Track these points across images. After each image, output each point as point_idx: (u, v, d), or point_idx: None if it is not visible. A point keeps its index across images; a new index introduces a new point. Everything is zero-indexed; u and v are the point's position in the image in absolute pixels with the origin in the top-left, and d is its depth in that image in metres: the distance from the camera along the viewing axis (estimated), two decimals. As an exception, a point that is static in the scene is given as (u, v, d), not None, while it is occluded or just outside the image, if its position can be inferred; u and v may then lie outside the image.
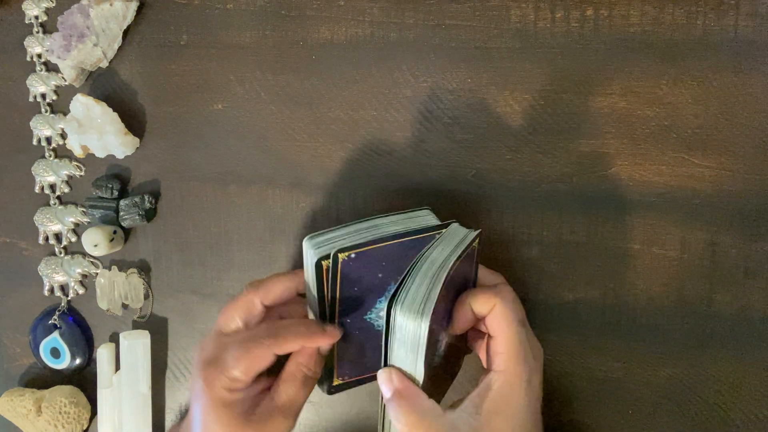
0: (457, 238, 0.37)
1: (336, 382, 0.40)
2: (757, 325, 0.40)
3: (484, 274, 0.40)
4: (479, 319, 0.36)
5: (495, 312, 0.35)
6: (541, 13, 0.41)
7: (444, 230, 0.37)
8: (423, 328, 0.33)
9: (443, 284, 0.34)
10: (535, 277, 0.43)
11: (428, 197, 0.44)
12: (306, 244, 0.37)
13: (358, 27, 0.44)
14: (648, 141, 0.40)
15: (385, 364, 0.36)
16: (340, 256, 0.35)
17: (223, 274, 0.48)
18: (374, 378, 0.37)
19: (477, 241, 0.37)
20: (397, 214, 0.39)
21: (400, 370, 0.35)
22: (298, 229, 0.47)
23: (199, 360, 0.37)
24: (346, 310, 0.37)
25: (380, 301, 0.38)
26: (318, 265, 0.35)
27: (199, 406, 0.36)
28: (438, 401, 0.38)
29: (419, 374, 0.35)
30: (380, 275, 0.37)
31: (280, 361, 0.37)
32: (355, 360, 0.39)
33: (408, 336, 0.34)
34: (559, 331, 0.43)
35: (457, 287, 0.37)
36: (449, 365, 0.41)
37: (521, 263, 0.43)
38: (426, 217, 0.39)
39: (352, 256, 0.36)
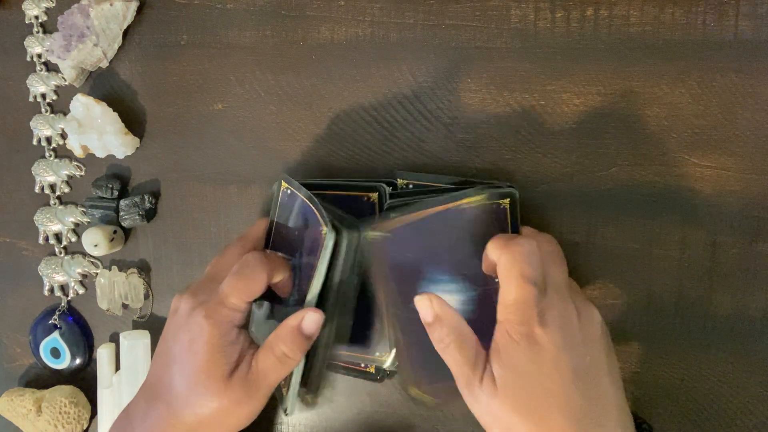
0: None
1: (418, 394, 0.38)
2: (757, 325, 0.40)
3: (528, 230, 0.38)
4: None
5: (500, 262, 0.33)
6: (541, 13, 0.41)
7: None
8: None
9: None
10: (535, 277, 0.43)
11: (428, 197, 0.44)
12: (308, 201, 0.38)
13: (358, 27, 0.44)
14: (648, 141, 0.40)
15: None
16: (373, 235, 0.37)
17: (223, 274, 0.48)
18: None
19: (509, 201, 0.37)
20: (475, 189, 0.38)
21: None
22: (298, 229, 0.47)
23: (189, 301, 0.37)
24: (278, 240, 0.40)
25: (423, 287, 0.36)
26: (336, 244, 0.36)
27: (195, 346, 0.35)
28: None
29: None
30: (411, 255, 0.37)
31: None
32: (427, 362, 0.36)
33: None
34: (559, 331, 0.43)
35: (485, 229, 0.37)
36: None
37: (521, 263, 0.43)
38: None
39: (288, 192, 0.40)
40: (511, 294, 0.32)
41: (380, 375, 0.42)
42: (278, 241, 0.41)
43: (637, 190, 0.41)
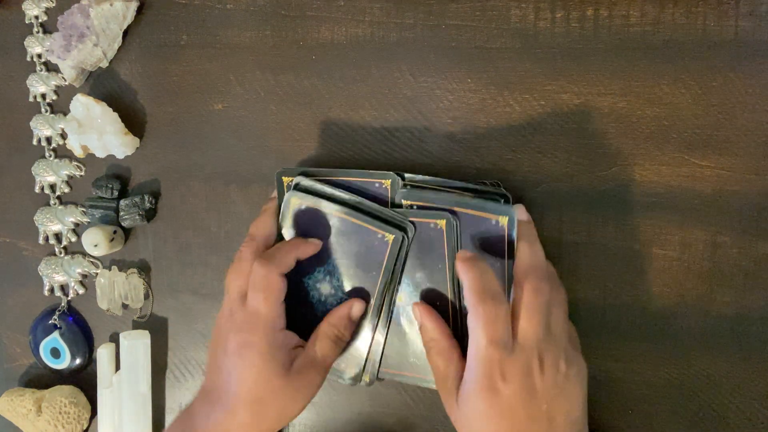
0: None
1: None
2: (757, 325, 0.40)
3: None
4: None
5: (470, 322, 0.35)
6: (541, 13, 0.41)
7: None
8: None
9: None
10: (535, 277, 0.43)
11: (428, 197, 0.44)
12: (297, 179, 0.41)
13: (358, 27, 0.44)
14: (648, 141, 0.40)
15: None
16: (293, 201, 0.40)
17: (223, 275, 0.48)
18: None
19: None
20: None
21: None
22: (298, 229, 0.47)
23: (235, 327, 0.39)
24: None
25: (319, 271, 0.41)
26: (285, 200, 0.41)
27: (244, 362, 0.37)
28: None
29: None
30: (324, 243, 0.40)
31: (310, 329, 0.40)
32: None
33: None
34: (559, 331, 0.43)
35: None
36: None
37: (521, 263, 0.43)
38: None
39: (303, 207, 0.40)
40: (479, 352, 0.34)
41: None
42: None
43: (637, 190, 0.41)
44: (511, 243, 0.38)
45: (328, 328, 0.40)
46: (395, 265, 0.39)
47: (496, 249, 0.38)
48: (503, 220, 0.38)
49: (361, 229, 0.39)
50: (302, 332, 0.40)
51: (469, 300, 0.35)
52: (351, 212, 0.40)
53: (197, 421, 0.38)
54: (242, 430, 0.37)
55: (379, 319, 0.40)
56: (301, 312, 0.41)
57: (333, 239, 0.40)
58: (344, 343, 0.40)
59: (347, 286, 0.40)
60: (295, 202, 0.40)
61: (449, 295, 0.39)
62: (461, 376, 0.35)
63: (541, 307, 0.34)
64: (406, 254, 0.39)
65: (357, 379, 0.41)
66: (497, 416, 0.34)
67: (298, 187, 0.41)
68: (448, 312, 0.39)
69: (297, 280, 0.41)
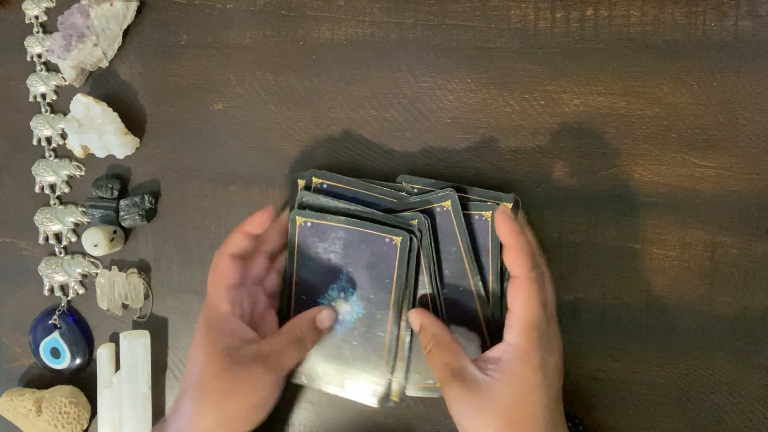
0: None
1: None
2: (757, 325, 0.40)
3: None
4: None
5: (518, 283, 0.35)
6: (541, 13, 0.41)
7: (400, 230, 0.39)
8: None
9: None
10: (535, 277, 0.43)
11: (428, 197, 0.44)
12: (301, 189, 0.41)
13: (358, 27, 0.44)
14: (648, 141, 0.40)
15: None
16: (298, 219, 0.39)
17: (223, 274, 0.48)
18: None
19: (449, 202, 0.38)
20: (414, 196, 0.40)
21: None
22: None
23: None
24: (302, 282, 0.40)
25: (333, 289, 0.39)
26: (291, 218, 0.39)
27: (195, 341, 0.38)
28: None
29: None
30: (332, 258, 0.39)
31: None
32: None
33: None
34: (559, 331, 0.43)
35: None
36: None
37: (521, 263, 0.43)
38: (439, 199, 0.40)
39: (308, 224, 0.39)
40: (528, 317, 0.34)
41: None
42: (306, 279, 0.41)
43: (637, 190, 0.41)
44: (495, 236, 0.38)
45: (288, 326, 0.39)
46: (408, 269, 0.39)
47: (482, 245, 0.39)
48: (487, 215, 0.38)
49: (368, 236, 0.39)
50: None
51: (522, 263, 0.35)
52: (356, 221, 0.39)
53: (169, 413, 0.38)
54: (186, 421, 0.36)
55: (399, 329, 0.39)
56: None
57: (342, 252, 0.39)
58: (305, 347, 0.39)
59: (363, 300, 0.40)
60: (300, 220, 0.40)
61: (433, 291, 0.39)
62: (472, 365, 0.35)
63: (541, 284, 0.36)
64: (418, 258, 0.39)
65: (384, 400, 0.40)
66: (542, 388, 0.34)
67: (301, 205, 0.40)
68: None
69: (312, 303, 0.40)
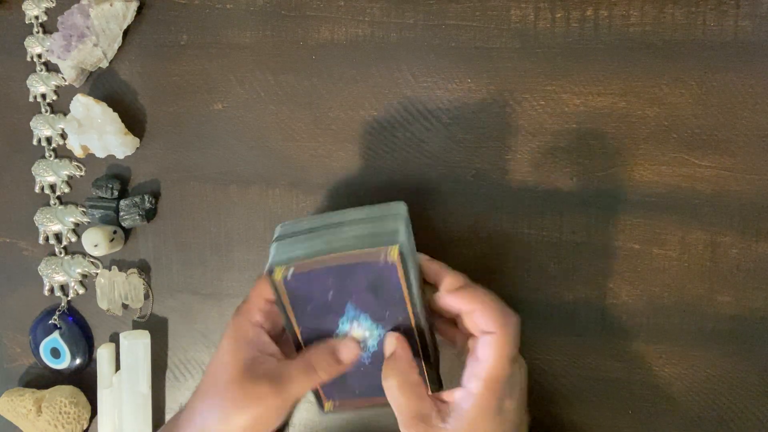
0: (380, 233, 0.35)
1: (327, 407, 0.39)
2: (757, 325, 0.40)
3: (446, 275, 0.37)
4: (461, 323, 0.36)
5: (494, 340, 0.34)
6: (541, 13, 0.41)
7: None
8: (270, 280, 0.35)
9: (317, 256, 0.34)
10: (535, 277, 0.43)
11: (428, 197, 0.44)
12: (273, 244, 0.36)
13: (358, 27, 0.44)
14: (648, 141, 0.40)
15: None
16: (277, 272, 0.34)
17: (223, 274, 0.48)
18: (370, 404, 0.38)
19: (397, 255, 0.34)
20: (366, 209, 0.37)
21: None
22: (298, 229, 0.47)
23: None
24: (308, 330, 0.37)
25: (342, 323, 0.36)
26: (270, 279, 0.34)
27: (223, 337, 0.37)
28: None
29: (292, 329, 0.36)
30: (331, 293, 0.35)
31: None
32: (332, 384, 0.38)
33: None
34: (559, 331, 0.43)
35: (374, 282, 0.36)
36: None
37: (521, 263, 0.43)
38: (396, 216, 0.36)
39: (288, 276, 0.34)
40: (495, 372, 0.34)
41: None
42: (311, 326, 0.37)
43: (637, 190, 0.41)
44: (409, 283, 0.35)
45: (304, 352, 0.37)
46: (409, 280, 0.35)
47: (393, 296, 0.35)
48: (392, 254, 0.33)
49: (359, 264, 0.34)
50: (358, 391, 0.38)
51: (491, 319, 0.34)
52: (337, 250, 0.34)
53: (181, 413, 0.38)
54: (188, 426, 0.36)
55: (425, 347, 0.37)
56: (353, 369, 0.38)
57: (338, 284, 0.35)
58: (317, 377, 0.36)
59: (379, 320, 0.37)
60: (279, 272, 0.34)
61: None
62: (439, 410, 0.34)
63: (515, 335, 0.36)
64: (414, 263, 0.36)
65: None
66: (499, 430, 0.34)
67: (276, 261, 0.35)
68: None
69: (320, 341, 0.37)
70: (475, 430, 0.33)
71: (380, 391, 0.36)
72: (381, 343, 0.37)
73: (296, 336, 0.37)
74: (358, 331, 0.37)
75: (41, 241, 0.52)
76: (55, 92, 0.51)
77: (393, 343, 0.36)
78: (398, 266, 0.34)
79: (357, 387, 0.39)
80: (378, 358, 0.37)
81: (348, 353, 0.36)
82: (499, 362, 0.34)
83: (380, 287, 0.35)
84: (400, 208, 0.37)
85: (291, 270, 0.34)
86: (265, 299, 0.37)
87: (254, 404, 0.35)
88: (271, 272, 0.34)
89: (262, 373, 0.35)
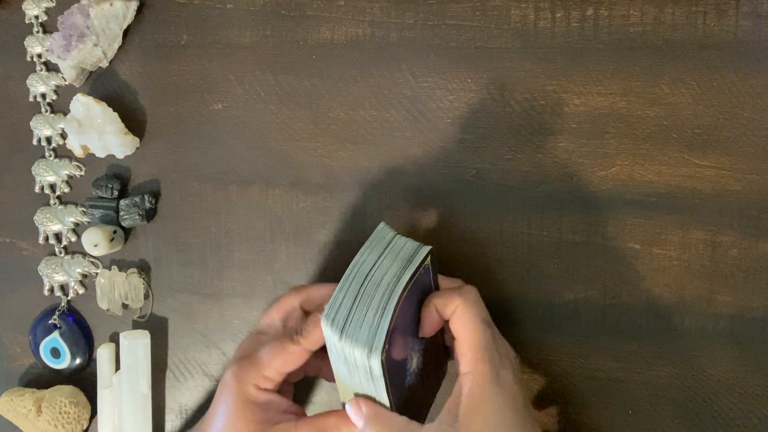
0: (403, 253, 0.35)
1: None
2: (757, 325, 0.40)
3: (444, 281, 0.39)
4: (445, 321, 0.36)
5: (457, 313, 0.35)
6: (541, 13, 0.41)
7: (389, 246, 0.36)
8: (375, 363, 0.32)
9: (393, 313, 0.32)
10: (535, 277, 0.43)
11: (428, 197, 0.44)
12: (346, 343, 0.33)
13: (358, 27, 0.44)
14: (648, 141, 0.40)
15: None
16: (379, 354, 0.32)
17: (223, 274, 0.48)
18: None
19: (429, 259, 0.35)
20: (369, 247, 0.36)
21: (366, 397, 0.35)
22: (298, 229, 0.47)
23: (234, 356, 0.38)
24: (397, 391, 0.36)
25: (411, 357, 0.36)
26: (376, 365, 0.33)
27: (225, 401, 0.36)
28: (425, 414, 0.38)
29: (386, 400, 0.34)
30: (405, 342, 0.35)
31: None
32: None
33: (365, 369, 0.33)
34: (559, 331, 0.43)
35: (419, 296, 0.36)
36: (433, 372, 0.41)
37: (521, 263, 0.43)
38: (387, 236, 0.37)
39: (387, 348, 0.33)
40: (475, 340, 0.34)
41: None
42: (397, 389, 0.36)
43: (637, 190, 0.41)
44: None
45: (326, 420, 0.37)
46: (436, 279, 0.36)
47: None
48: (427, 259, 0.35)
49: (410, 290, 0.34)
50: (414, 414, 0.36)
51: (449, 299, 0.35)
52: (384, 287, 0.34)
53: None
54: None
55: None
56: (408, 394, 0.37)
57: (403, 327, 0.35)
58: None
59: (418, 336, 0.37)
60: (382, 355, 0.32)
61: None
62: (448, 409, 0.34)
63: (475, 299, 0.36)
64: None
65: None
66: (508, 414, 0.33)
67: (371, 346, 0.33)
68: None
69: (400, 381, 0.36)
70: (481, 406, 0.33)
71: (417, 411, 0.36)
72: (421, 361, 0.37)
73: (389, 401, 0.35)
74: (416, 359, 0.37)
75: (41, 241, 0.52)
76: (55, 92, 0.51)
77: (363, 410, 0.35)
78: (430, 266, 0.35)
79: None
80: (416, 376, 0.37)
81: (357, 415, 0.36)
82: (471, 326, 0.34)
83: (421, 299, 0.36)
84: (386, 234, 0.37)
85: (386, 348, 0.32)
86: (280, 372, 0.36)
87: None
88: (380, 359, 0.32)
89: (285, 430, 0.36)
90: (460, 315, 0.35)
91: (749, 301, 0.40)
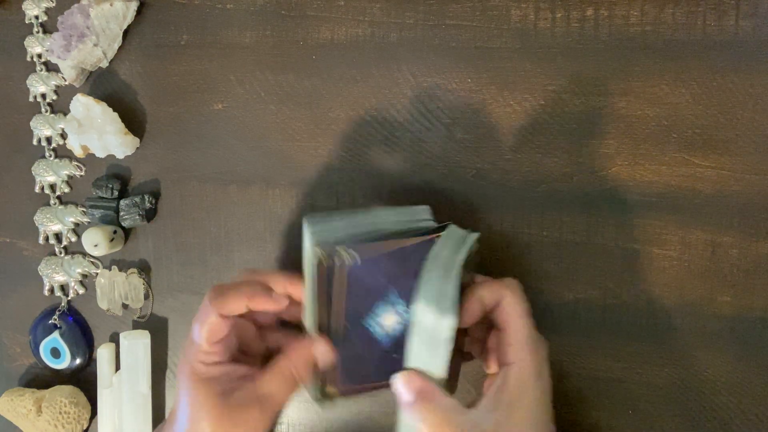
0: (457, 238, 0.36)
1: (330, 392, 0.38)
2: (757, 325, 0.40)
3: (479, 276, 0.39)
4: (487, 312, 0.36)
5: (504, 303, 0.35)
6: (541, 13, 0.41)
7: (443, 232, 0.36)
8: (448, 324, 0.33)
9: (458, 280, 0.33)
10: (535, 277, 0.43)
11: (428, 197, 0.44)
12: (307, 231, 0.35)
13: (358, 27, 0.44)
14: (648, 141, 0.40)
15: (401, 368, 0.36)
16: (341, 255, 0.33)
17: (223, 274, 0.48)
18: (376, 388, 0.38)
19: (475, 242, 0.37)
20: (396, 208, 0.38)
21: (419, 371, 0.35)
22: (298, 229, 0.47)
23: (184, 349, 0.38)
24: (347, 315, 0.37)
25: (378, 306, 0.37)
26: (319, 264, 0.34)
27: (184, 386, 0.36)
28: None
29: (442, 373, 0.34)
30: (382, 279, 0.36)
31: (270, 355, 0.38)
32: (351, 369, 0.38)
33: (433, 334, 0.34)
34: (559, 331, 0.43)
35: (461, 287, 0.37)
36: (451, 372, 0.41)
37: (521, 263, 0.43)
38: (424, 215, 0.38)
39: (358, 261, 0.34)
40: (522, 332, 0.34)
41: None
42: (352, 314, 0.37)
43: (637, 190, 0.41)
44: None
45: (284, 363, 0.36)
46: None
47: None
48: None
49: (416, 247, 0.35)
50: (372, 376, 0.37)
51: (496, 288, 0.35)
52: (381, 231, 0.35)
53: None
54: None
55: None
56: (368, 354, 0.37)
57: (391, 271, 0.35)
58: (297, 386, 0.36)
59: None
60: (344, 257, 0.34)
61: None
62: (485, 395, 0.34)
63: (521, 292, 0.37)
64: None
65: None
66: (544, 408, 0.34)
67: (331, 241, 0.34)
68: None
69: (355, 325, 0.37)
70: (525, 397, 0.34)
71: (389, 376, 0.36)
72: (404, 329, 0.37)
73: (326, 320, 0.36)
74: (391, 316, 0.37)
75: (41, 241, 0.52)
76: (55, 92, 0.51)
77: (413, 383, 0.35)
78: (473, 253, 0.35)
79: (373, 372, 0.38)
80: (399, 343, 0.37)
81: (324, 357, 0.36)
82: (518, 318, 0.35)
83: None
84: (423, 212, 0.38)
85: (357, 255, 0.33)
86: (216, 340, 0.36)
87: (247, 427, 0.35)
88: (331, 254, 0.33)
89: (245, 401, 0.35)
90: (507, 306, 0.35)
91: (749, 301, 0.40)
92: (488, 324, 0.37)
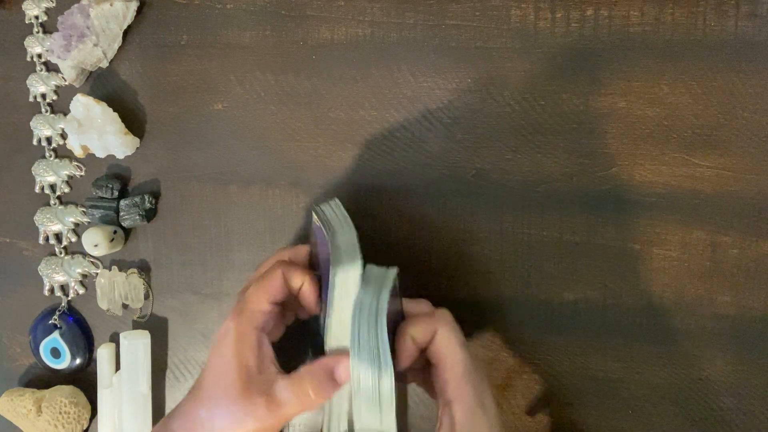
0: (376, 278, 0.35)
1: None
2: (757, 325, 0.40)
3: (410, 305, 0.38)
4: (422, 350, 0.35)
5: (437, 338, 0.34)
6: (541, 13, 0.41)
7: (362, 273, 0.35)
8: (388, 381, 0.32)
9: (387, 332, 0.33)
10: (535, 277, 0.43)
11: (428, 197, 0.44)
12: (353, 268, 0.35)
13: (358, 27, 0.44)
14: (648, 141, 0.40)
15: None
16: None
17: (223, 274, 0.48)
18: None
19: (396, 281, 0.35)
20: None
21: None
22: (298, 229, 0.47)
23: (230, 312, 0.37)
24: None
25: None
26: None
27: (227, 340, 0.35)
28: None
29: (393, 428, 0.33)
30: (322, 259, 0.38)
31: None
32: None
33: (375, 394, 0.32)
34: (559, 331, 0.43)
35: (391, 325, 0.35)
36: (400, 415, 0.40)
37: (521, 263, 0.43)
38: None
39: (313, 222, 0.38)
40: (458, 366, 0.33)
41: None
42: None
43: (637, 190, 0.41)
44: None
45: (303, 374, 0.35)
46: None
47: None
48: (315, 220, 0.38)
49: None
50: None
51: (427, 323, 0.34)
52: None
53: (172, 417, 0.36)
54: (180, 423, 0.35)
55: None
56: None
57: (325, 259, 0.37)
58: (310, 405, 0.34)
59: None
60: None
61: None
62: None
63: (453, 322, 0.36)
64: None
65: None
66: (497, 431, 0.33)
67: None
68: None
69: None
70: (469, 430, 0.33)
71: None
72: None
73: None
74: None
75: (41, 241, 0.52)
76: (55, 92, 0.51)
77: None
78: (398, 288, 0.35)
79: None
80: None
81: (346, 373, 0.34)
82: (453, 352, 0.34)
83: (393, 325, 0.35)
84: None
85: (315, 218, 0.38)
86: (271, 300, 0.36)
87: (247, 420, 0.34)
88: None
89: (261, 388, 0.34)
90: (440, 341, 0.34)
91: (749, 301, 0.40)
92: (425, 359, 0.36)
